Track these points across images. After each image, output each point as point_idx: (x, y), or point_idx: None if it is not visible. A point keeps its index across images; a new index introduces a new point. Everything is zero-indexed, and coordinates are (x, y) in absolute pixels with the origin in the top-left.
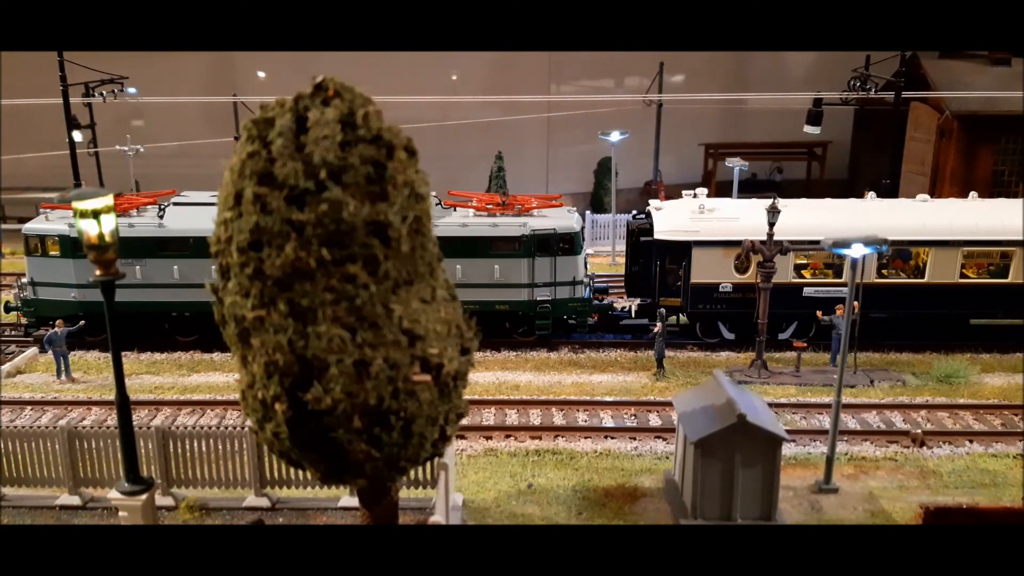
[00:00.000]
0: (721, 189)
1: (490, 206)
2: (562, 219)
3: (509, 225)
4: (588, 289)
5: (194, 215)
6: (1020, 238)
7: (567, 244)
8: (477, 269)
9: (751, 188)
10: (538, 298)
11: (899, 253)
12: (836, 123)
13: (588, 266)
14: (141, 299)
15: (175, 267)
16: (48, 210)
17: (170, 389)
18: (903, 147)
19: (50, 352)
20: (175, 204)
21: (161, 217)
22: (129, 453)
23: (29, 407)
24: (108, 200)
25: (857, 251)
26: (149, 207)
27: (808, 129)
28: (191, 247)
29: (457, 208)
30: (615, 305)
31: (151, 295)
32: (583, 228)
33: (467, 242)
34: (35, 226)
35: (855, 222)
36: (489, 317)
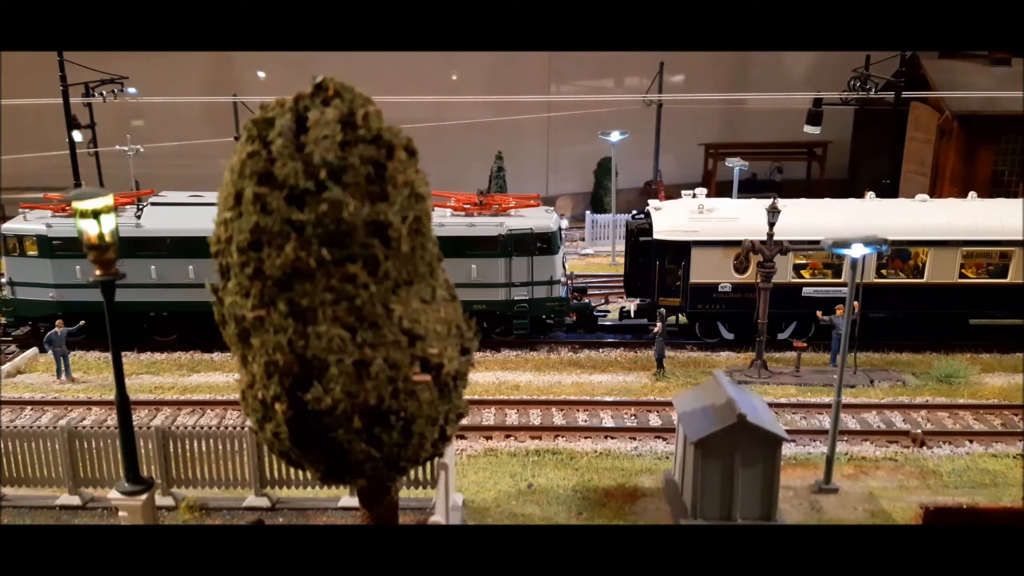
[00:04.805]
0: (721, 189)
1: (467, 206)
2: (539, 219)
3: (486, 225)
4: (566, 288)
5: (172, 215)
6: (1019, 238)
7: (544, 244)
8: (454, 269)
9: (751, 188)
10: (515, 298)
11: (898, 253)
12: (836, 123)
13: (567, 266)
14: (118, 299)
15: (152, 267)
16: (27, 210)
17: (170, 389)
18: (903, 147)
19: (50, 352)
20: (153, 204)
21: (139, 217)
22: (129, 453)
23: (29, 407)
24: (108, 200)
25: (857, 251)
26: (127, 207)
27: (808, 129)
28: (169, 247)
29: (435, 208)
30: (592, 303)
31: (128, 295)
32: (561, 228)
33: (444, 242)
34: (13, 226)
35: (855, 222)
36: None
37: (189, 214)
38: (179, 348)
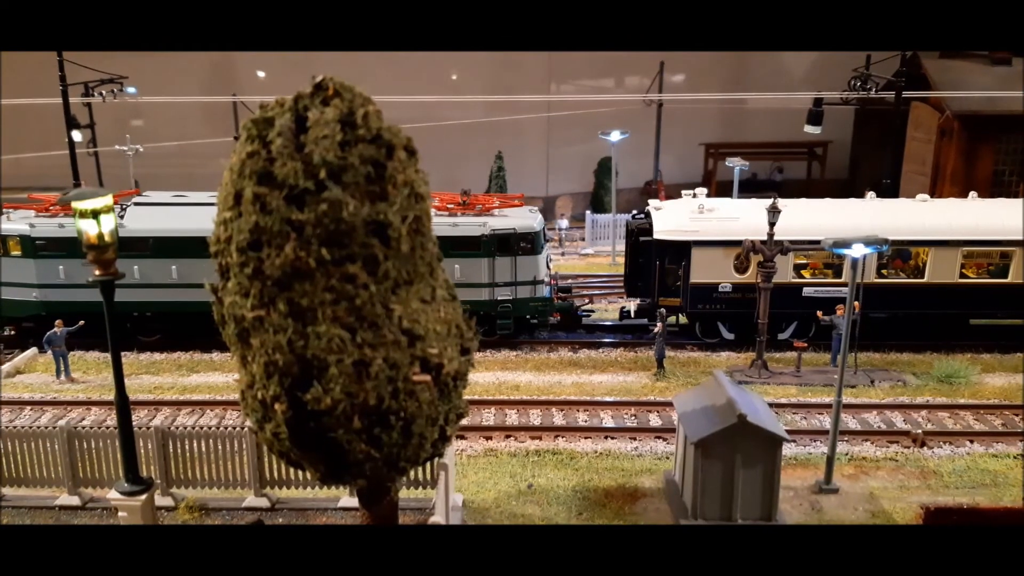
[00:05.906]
0: (721, 189)
1: (451, 206)
2: (523, 219)
3: (469, 225)
4: (550, 288)
5: (155, 215)
6: (1020, 238)
7: (528, 244)
8: None
9: (751, 188)
10: (499, 297)
11: (899, 253)
12: (837, 123)
13: (551, 265)
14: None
15: (135, 267)
16: (10, 210)
17: (169, 389)
18: (903, 147)
19: (49, 352)
20: (136, 204)
21: (121, 217)
22: (129, 453)
23: (29, 407)
24: (107, 200)
25: (857, 251)
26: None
27: (808, 129)
28: (151, 247)
29: None
30: (576, 303)
31: None
32: (544, 228)
33: None
34: None
35: (855, 222)
36: None
37: (172, 214)
38: (175, 348)
